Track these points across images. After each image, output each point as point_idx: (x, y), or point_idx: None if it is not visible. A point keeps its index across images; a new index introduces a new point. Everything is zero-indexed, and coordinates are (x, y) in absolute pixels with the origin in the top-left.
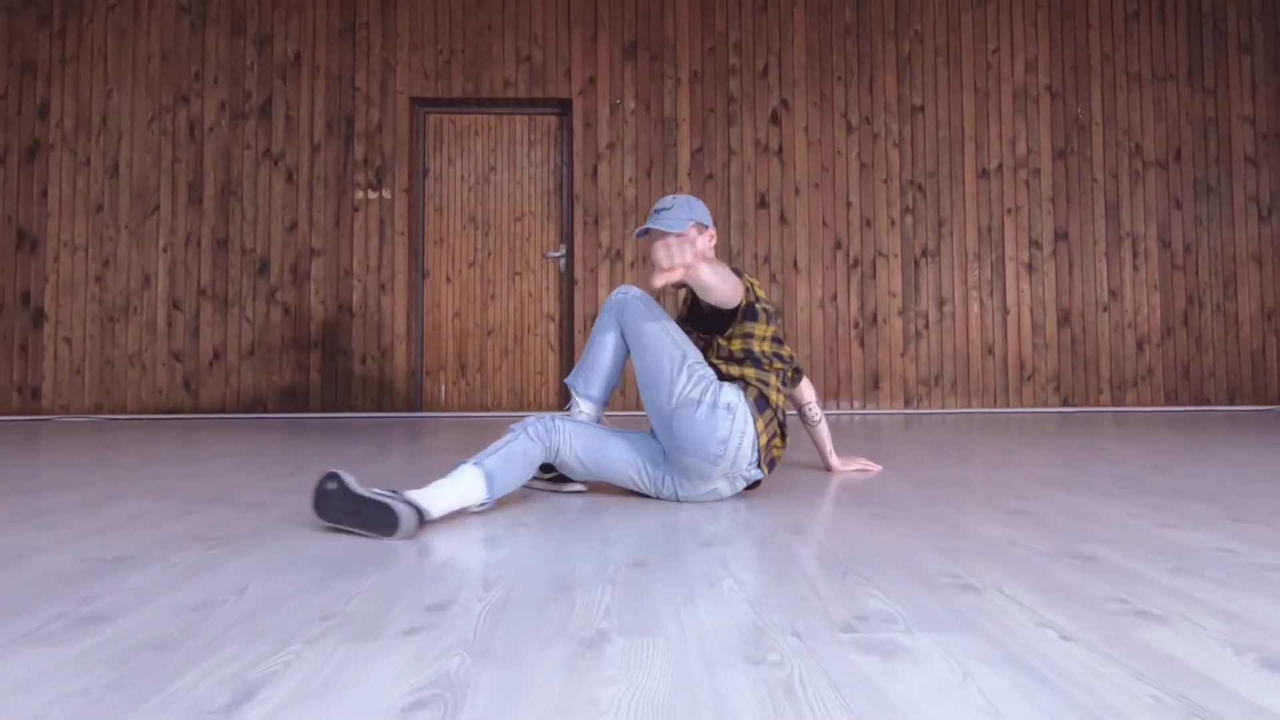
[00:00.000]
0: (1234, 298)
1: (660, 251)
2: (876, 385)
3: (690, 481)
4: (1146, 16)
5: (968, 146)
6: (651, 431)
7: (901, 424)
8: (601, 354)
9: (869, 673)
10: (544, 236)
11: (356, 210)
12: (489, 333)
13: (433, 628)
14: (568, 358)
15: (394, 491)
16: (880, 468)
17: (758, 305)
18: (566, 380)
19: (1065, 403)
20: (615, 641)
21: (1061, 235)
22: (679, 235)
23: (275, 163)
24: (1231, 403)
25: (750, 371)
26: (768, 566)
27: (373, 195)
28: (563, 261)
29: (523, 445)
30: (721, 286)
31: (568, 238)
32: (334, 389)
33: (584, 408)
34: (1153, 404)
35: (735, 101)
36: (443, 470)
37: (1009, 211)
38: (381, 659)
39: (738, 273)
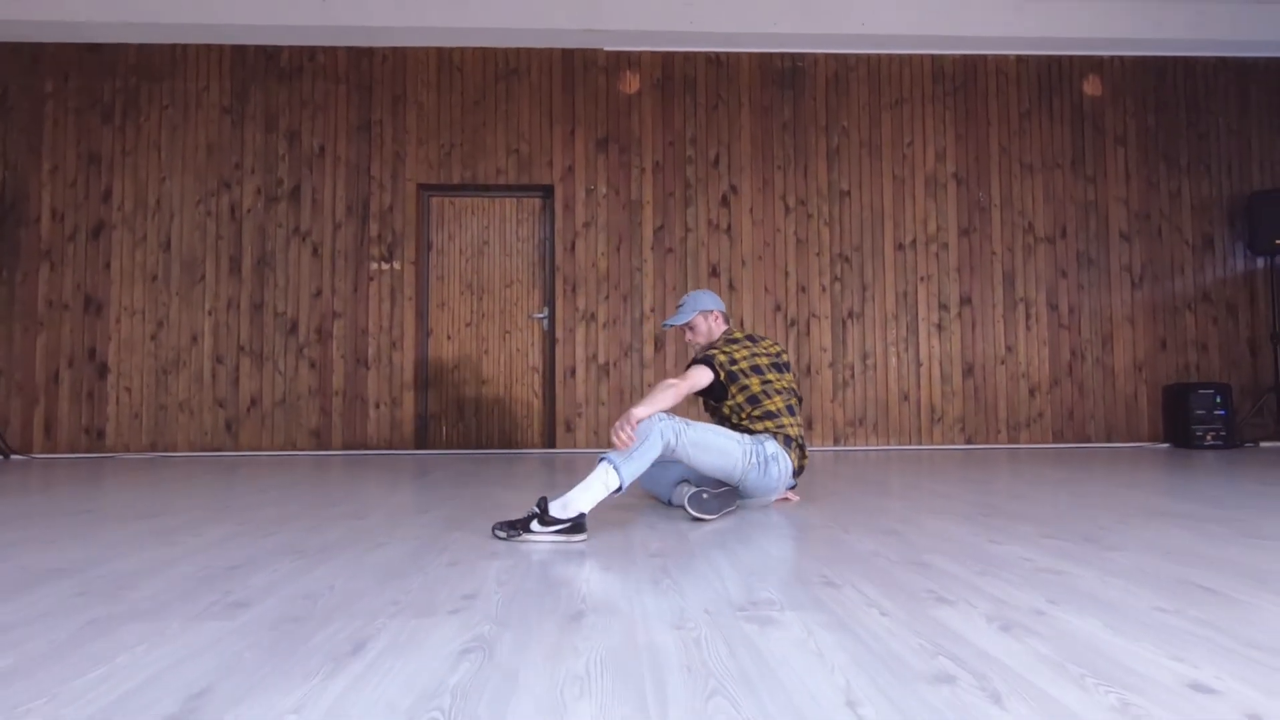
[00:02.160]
0: (1111, 353)
1: (614, 435)
2: (811, 426)
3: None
4: (1037, 115)
5: (887, 225)
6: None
7: (831, 460)
8: (664, 475)
9: (750, 635)
10: (530, 301)
11: (371, 279)
12: (483, 382)
13: (468, 609)
14: (550, 404)
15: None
16: (799, 499)
17: (734, 369)
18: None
19: (969, 441)
20: (589, 617)
21: (966, 300)
22: (685, 326)
23: (303, 239)
24: (1109, 440)
25: (770, 423)
26: (696, 571)
27: (385, 267)
28: (545, 322)
29: (647, 448)
30: (665, 401)
31: (550, 302)
32: (353, 430)
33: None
34: (1043, 442)
35: (691, 187)
36: (459, 500)
37: (922, 279)
38: (439, 627)
39: (706, 360)
